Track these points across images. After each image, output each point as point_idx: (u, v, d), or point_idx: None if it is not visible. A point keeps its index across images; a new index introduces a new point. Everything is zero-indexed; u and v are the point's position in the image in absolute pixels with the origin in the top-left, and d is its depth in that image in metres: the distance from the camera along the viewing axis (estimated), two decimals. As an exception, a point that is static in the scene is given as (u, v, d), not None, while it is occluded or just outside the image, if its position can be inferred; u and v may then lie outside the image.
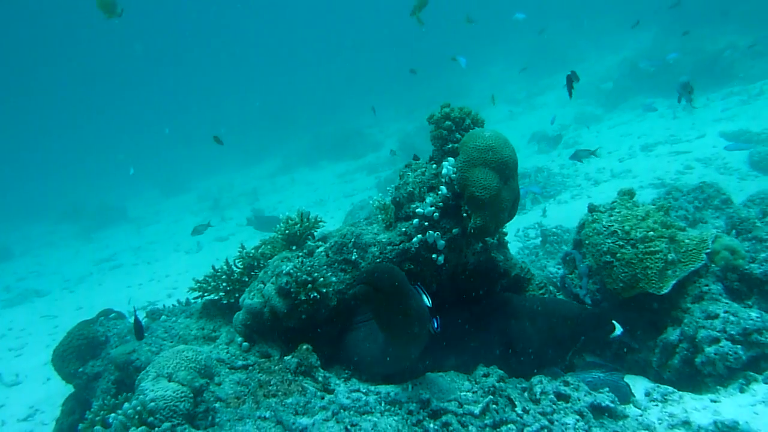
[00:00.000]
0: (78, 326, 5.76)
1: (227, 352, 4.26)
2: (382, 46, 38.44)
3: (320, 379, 3.88)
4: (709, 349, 3.96)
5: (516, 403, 3.79)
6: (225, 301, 4.64)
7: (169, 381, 3.55)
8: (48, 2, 40.55)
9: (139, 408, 3.12)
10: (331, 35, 47.07)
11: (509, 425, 3.51)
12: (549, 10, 31.21)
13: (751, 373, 3.86)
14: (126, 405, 3.17)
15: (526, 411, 3.69)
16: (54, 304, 14.22)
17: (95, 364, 5.46)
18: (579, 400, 3.75)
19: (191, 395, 3.46)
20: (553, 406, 3.73)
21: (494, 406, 3.75)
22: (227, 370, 4.10)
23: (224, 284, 4.64)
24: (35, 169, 42.31)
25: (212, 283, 4.66)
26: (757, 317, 3.95)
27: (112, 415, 3.15)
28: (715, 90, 16.21)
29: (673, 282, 4.28)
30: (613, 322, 4.31)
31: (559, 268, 7.42)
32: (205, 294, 4.68)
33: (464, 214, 4.01)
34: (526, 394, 3.96)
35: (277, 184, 24.15)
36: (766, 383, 3.80)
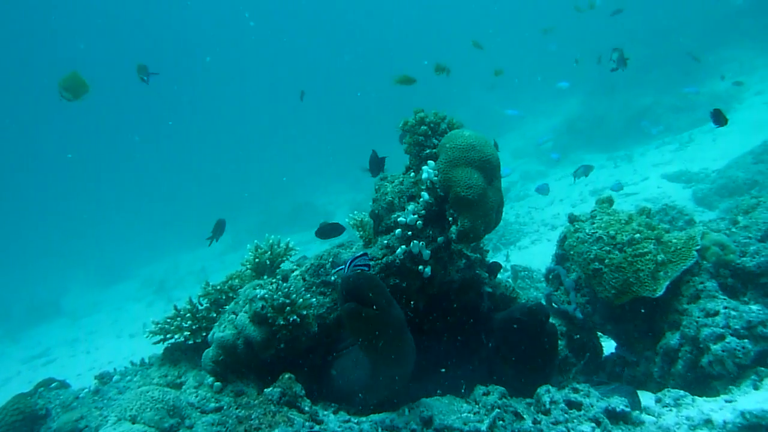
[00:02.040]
0: (12, 400, 4.99)
1: (197, 396, 3.74)
2: (328, 119, 39.09)
3: (307, 409, 3.43)
4: (716, 347, 3.77)
5: (524, 416, 3.45)
6: (191, 342, 4.15)
7: (134, 423, 3.05)
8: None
9: (99, 447, 2.60)
10: (274, 108, 47.43)
11: (525, 437, 3.16)
12: (481, 82, 32.86)
13: (763, 369, 3.66)
14: (83, 446, 2.64)
15: (537, 422, 3.35)
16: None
17: (34, 442, 4.73)
18: (592, 406, 3.44)
19: (160, 435, 2.96)
20: (566, 414, 3.40)
21: (501, 422, 3.40)
22: (198, 413, 3.58)
23: (188, 323, 4.16)
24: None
25: (175, 323, 4.18)
26: (759, 310, 3.81)
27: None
28: (647, 142, 17.12)
29: (667, 283, 4.14)
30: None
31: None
32: (167, 336, 4.18)
33: (449, 218, 3.79)
34: (532, 407, 3.63)
35: (227, 262, 23.29)
36: (780, 377, 3.61)
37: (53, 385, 5.38)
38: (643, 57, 20.48)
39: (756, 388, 3.61)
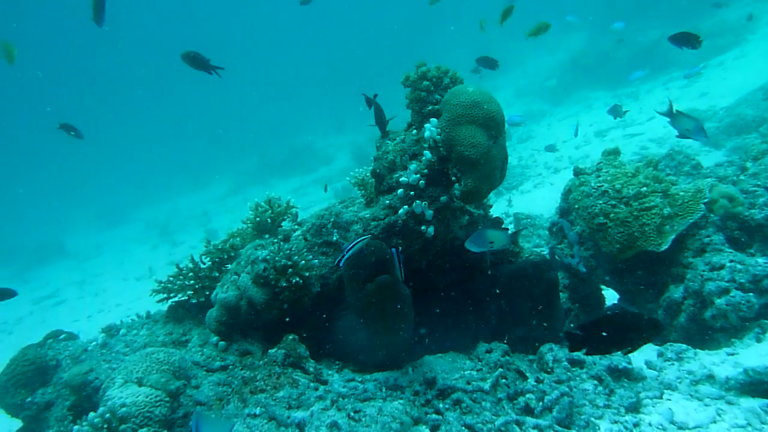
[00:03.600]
0: (22, 351, 5.08)
1: (202, 354, 3.78)
2: (329, 61, 38.11)
3: (311, 370, 3.47)
4: (720, 301, 3.76)
5: (527, 375, 3.49)
6: (194, 300, 4.17)
7: (140, 386, 3.08)
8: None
9: (107, 416, 2.64)
10: (276, 50, 46.30)
11: (527, 395, 3.20)
12: (485, 18, 31.76)
13: (766, 321, 3.67)
14: (91, 414, 2.68)
15: (540, 381, 3.39)
16: (-12, 348, 13.04)
17: (46, 391, 4.80)
18: (595, 364, 3.48)
19: (167, 399, 3.00)
20: (568, 373, 3.45)
21: (504, 380, 3.44)
22: (204, 372, 3.63)
23: (191, 282, 4.16)
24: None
25: (178, 282, 4.17)
26: (766, 263, 3.78)
27: (75, 428, 2.65)
28: (654, 77, 16.68)
29: (672, 237, 4.09)
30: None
31: (536, 249, 7.26)
32: (171, 295, 4.19)
33: (453, 178, 3.70)
34: (535, 365, 3.67)
35: (228, 205, 23.34)
36: (784, 330, 3.63)
37: (62, 336, 5.45)
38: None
39: (759, 341, 3.63)
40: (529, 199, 10.49)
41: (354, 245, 3.15)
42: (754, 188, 4.42)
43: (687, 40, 5.46)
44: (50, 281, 19.57)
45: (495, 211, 10.12)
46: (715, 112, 11.50)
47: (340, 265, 3.27)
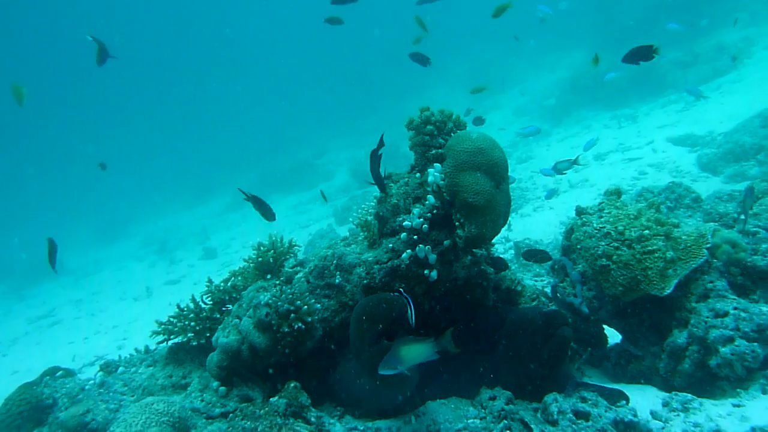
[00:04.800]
0: (18, 390, 5.03)
1: (202, 400, 3.75)
2: (328, 76, 38.34)
3: (313, 419, 3.43)
4: (725, 350, 3.73)
5: (532, 426, 3.45)
6: (195, 343, 4.13)
7: (139, 440, 3.03)
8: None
9: (107, 477, 2.59)
10: (275, 68, 46.55)
11: (533, 451, 3.16)
12: (483, 35, 32.04)
13: (772, 372, 3.65)
14: (90, 475, 2.64)
15: (545, 433, 3.35)
16: (-19, 372, 12.90)
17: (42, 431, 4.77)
18: (600, 417, 3.43)
19: (167, 454, 2.95)
20: (573, 426, 3.40)
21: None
22: (204, 420, 3.59)
23: (192, 323, 4.13)
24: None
25: (178, 324, 4.14)
26: (769, 311, 3.77)
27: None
28: (652, 100, 16.76)
29: (675, 281, 4.07)
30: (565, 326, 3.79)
31: (536, 281, 7.23)
32: (171, 337, 4.16)
33: (456, 223, 3.69)
34: (539, 414, 3.63)
35: (227, 222, 23.30)
36: (789, 382, 3.60)
37: (59, 373, 5.40)
38: (650, 6, 19.88)
39: (765, 392, 3.60)
40: (528, 223, 10.47)
41: None
42: (755, 229, 4.42)
43: (641, 54, 5.38)
44: (47, 299, 19.43)
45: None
46: (713, 138, 11.55)
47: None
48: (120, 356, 5.16)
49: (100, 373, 4.85)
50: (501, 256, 4.78)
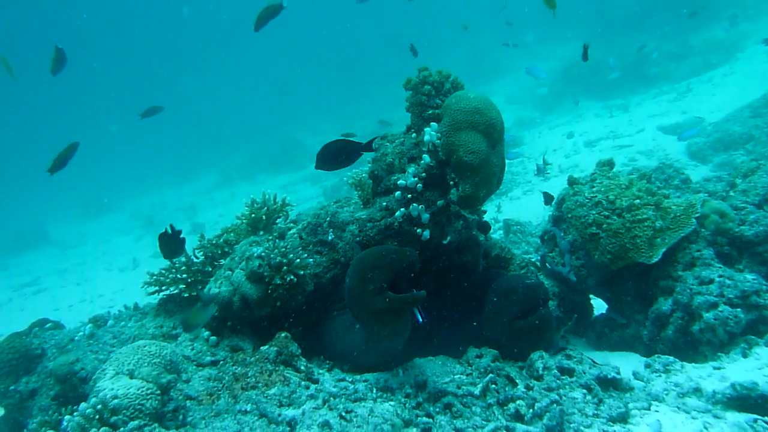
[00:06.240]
0: (7, 339, 5.02)
1: (192, 349, 3.77)
2: (319, 59, 38.07)
3: (302, 368, 3.47)
4: (708, 315, 3.81)
5: (517, 381, 3.52)
6: (186, 294, 4.14)
7: (131, 378, 3.05)
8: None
9: (99, 407, 2.62)
10: (266, 49, 46.10)
11: (518, 402, 3.22)
12: (479, 23, 31.92)
13: (752, 337, 3.70)
14: (83, 405, 2.66)
15: (530, 388, 3.42)
16: (-36, 336, 12.76)
17: (30, 380, 4.74)
18: (584, 373, 3.51)
19: (158, 392, 2.98)
20: (558, 381, 3.48)
21: (494, 386, 3.47)
22: (194, 367, 3.62)
23: (184, 275, 4.14)
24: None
25: (170, 276, 4.15)
26: (754, 279, 3.84)
27: (67, 417, 2.63)
28: (644, 91, 16.89)
29: (663, 249, 4.14)
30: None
31: (525, 258, 7.31)
32: (163, 288, 4.17)
33: (450, 182, 3.73)
34: (525, 372, 3.70)
35: (216, 199, 23.19)
36: (768, 346, 3.68)
37: (48, 325, 5.40)
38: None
39: (745, 356, 3.67)
40: (518, 206, 10.57)
41: None
42: (743, 204, 4.50)
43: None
44: (31, 269, 19.30)
45: (485, 216, 10.21)
46: (703, 127, 11.68)
47: None
48: (109, 311, 5.16)
49: (90, 325, 4.85)
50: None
